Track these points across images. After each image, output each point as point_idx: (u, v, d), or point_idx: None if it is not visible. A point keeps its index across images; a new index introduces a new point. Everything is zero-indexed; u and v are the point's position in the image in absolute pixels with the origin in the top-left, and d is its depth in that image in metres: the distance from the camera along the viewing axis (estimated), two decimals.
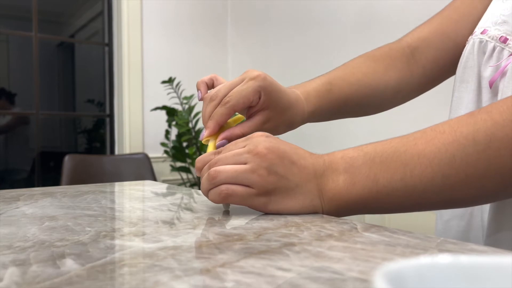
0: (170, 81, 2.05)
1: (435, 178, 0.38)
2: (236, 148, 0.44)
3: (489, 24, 0.50)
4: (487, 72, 0.48)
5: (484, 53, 0.49)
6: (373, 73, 0.63)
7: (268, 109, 0.53)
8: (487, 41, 0.49)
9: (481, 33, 0.50)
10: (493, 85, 0.47)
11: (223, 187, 0.42)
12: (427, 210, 0.42)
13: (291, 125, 0.57)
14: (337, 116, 0.63)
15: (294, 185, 0.42)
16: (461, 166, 0.37)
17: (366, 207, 0.42)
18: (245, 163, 0.42)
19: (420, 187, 0.39)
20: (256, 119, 0.53)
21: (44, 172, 2.46)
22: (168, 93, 2.12)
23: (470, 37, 0.52)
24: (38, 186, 2.27)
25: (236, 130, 0.52)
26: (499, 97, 0.46)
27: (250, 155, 0.42)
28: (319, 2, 2.05)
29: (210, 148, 0.51)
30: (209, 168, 0.44)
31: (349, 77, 0.61)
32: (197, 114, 2.05)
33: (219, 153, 0.45)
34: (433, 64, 0.63)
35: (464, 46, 0.55)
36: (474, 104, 0.50)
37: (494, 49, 0.48)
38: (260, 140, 0.43)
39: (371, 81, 0.62)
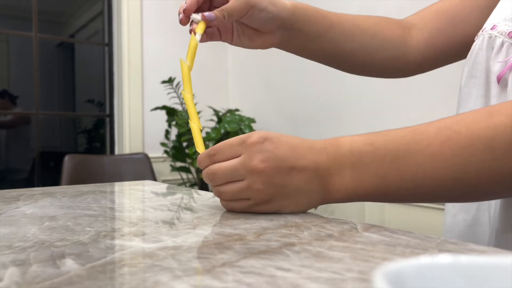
0: (170, 81, 2.05)
1: (446, 180, 0.38)
2: (231, 152, 0.42)
3: (499, 19, 0.50)
4: (496, 67, 0.48)
5: (493, 48, 0.49)
6: (364, 20, 0.62)
7: None
8: (496, 36, 0.49)
9: (491, 28, 0.50)
10: (501, 80, 0.47)
11: (223, 203, 0.45)
12: (433, 203, 0.43)
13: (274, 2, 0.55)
14: (320, 39, 0.60)
15: (293, 188, 0.42)
16: (475, 171, 0.37)
17: (371, 200, 0.42)
18: (242, 179, 0.42)
19: (430, 187, 0.39)
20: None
21: (44, 172, 2.46)
22: (168, 93, 2.12)
23: (480, 32, 0.52)
24: (38, 186, 2.27)
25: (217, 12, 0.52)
26: (508, 91, 0.46)
27: (246, 171, 0.41)
28: (319, 2, 2.05)
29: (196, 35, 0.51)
30: (207, 174, 0.44)
31: (339, 13, 0.62)
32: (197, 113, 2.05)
33: (213, 155, 0.43)
34: (427, 42, 0.62)
35: (463, 30, 0.55)
36: (483, 99, 0.50)
37: (502, 44, 0.48)
38: (255, 150, 0.41)
39: (359, 22, 0.61)
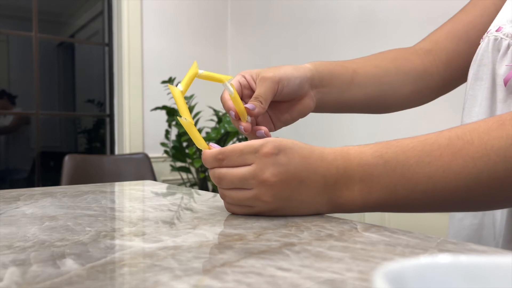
0: (170, 81, 2.05)
1: (458, 191, 0.37)
2: (242, 160, 0.41)
3: (504, 21, 0.49)
4: (502, 70, 0.48)
5: (499, 50, 0.49)
6: (382, 59, 0.61)
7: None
8: (501, 38, 0.49)
9: (496, 30, 0.50)
10: (508, 84, 0.47)
11: (226, 205, 0.45)
12: (443, 212, 0.43)
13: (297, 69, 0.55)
14: (351, 87, 0.59)
15: (300, 201, 0.41)
16: (487, 182, 0.36)
17: (380, 210, 0.42)
18: (250, 188, 0.41)
19: (441, 198, 0.38)
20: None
21: (44, 172, 2.46)
22: (168, 93, 2.12)
23: (485, 34, 0.52)
24: (38, 186, 2.27)
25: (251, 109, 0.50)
26: None
27: (256, 181, 0.40)
28: (319, 2, 2.05)
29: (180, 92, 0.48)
30: (214, 177, 0.43)
31: (352, 59, 0.61)
32: (197, 114, 2.05)
33: (222, 160, 0.42)
34: (446, 66, 0.62)
35: (476, 47, 0.54)
36: (488, 101, 0.50)
37: (508, 46, 0.48)
38: (268, 163, 0.40)
39: (378, 63, 0.61)
